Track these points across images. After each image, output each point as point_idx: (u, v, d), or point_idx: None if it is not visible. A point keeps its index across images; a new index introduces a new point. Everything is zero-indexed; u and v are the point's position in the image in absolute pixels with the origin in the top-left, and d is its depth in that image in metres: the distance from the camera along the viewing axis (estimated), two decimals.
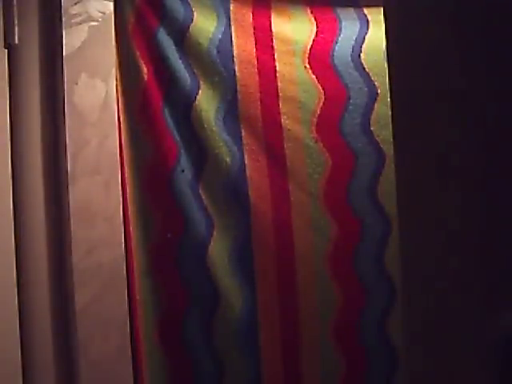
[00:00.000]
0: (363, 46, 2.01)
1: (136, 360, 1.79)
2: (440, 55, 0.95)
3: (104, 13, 1.77)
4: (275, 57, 1.96)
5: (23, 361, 1.64)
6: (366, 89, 2.00)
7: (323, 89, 1.97)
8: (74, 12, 1.72)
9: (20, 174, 1.67)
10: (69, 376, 1.68)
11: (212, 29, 1.91)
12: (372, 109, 1.99)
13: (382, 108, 1.97)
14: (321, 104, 1.96)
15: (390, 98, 1.06)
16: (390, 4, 1.07)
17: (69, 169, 1.69)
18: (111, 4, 1.80)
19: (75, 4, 1.72)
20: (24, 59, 1.69)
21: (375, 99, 2.00)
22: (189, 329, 1.85)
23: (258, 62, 1.94)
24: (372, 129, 1.99)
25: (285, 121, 1.95)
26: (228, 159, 1.89)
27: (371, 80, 2.00)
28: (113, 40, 1.80)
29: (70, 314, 1.67)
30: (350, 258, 1.95)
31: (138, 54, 1.84)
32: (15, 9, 1.68)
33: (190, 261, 1.85)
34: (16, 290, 1.64)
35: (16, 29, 1.68)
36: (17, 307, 1.64)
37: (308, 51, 1.98)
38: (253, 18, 1.96)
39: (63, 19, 1.70)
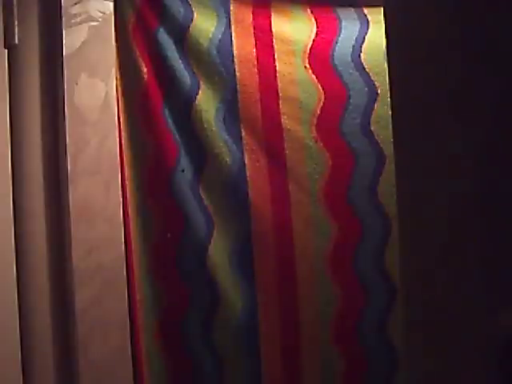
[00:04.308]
0: (363, 46, 2.01)
1: (136, 360, 1.79)
2: (440, 55, 0.95)
3: (104, 13, 1.77)
4: (275, 57, 1.96)
5: (23, 361, 1.64)
6: (366, 89, 2.00)
7: (323, 89, 1.97)
8: (74, 12, 1.72)
9: (20, 174, 1.67)
10: (69, 376, 1.68)
11: (212, 29, 1.91)
12: (372, 109, 1.99)
13: (382, 108, 1.97)
14: (321, 104, 1.96)
15: (390, 98, 1.06)
16: (390, 4, 1.07)
17: (69, 169, 1.69)
18: (111, 4, 1.79)
19: (75, 4, 1.72)
20: (24, 59, 1.69)
21: (375, 99, 2.00)
22: (189, 329, 1.85)
23: (258, 62, 1.94)
24: (372, 129, 1.99)
25: (285, 121, 1.95)
26: (228, 159, 1.89)
27: (371, 80, 2.00)
28: (113, 40, 1.80)
29: (70, 314, 1.67)
30: (350, 258, 1.95)
31: (137, 53, 1.84)
32: (15, 9, 1.68)
33: (190, 261, 1.85)
34: (16, 290, 1.64)
35: (16, 29, 1.68)
36: (17, 307, 1.64)
37: (308, 51, 1.98)
38: (253, 18, 1.96)
39: (63, 19, 1.70)
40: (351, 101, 1.98)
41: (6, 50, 1.67)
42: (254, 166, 1.92)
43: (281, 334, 1.91)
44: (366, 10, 2.05)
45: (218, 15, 1.93)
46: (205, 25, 1.91)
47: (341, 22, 2.02)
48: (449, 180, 0.95)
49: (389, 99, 1.07)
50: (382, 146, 1.98)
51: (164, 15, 1.87)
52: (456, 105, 0.94)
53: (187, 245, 1.85)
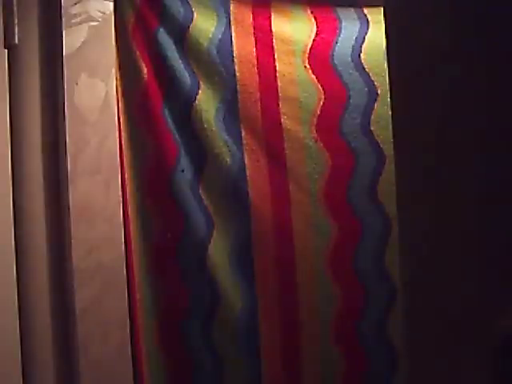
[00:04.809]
0: (363, 46, 2.01)
1: (136, 360, 1.79)
2: (440, 55, 0.95)
3: (104, 13, 1.77)
4: (275, 57, 1.96)
5: (23, 361, 1.64)
6: (366, 89, 2.00)
7: (323, 89, 1.97)
8: (74, 12, 1.72)
9: (20, 174, 1.67)
10: (69, 376, 1.68)
11: (212, 29, 1.91)
12: (372, 109, 1.99)
13: (382, 108, 1.97)
14: (321, 104, 1.96)
15: (390, 98, 1.06)
16: (390, 4, 1.07)
17: (69, 169, 1.69)
18: (111, 4, 1.79)
19: (75, 4, 1.72)
20: (24, 59, 1.69)
21: (375, 99, 2.00)
22: (189, 329, 1.85)
23: (257, 62, 1.94)
24: (372, 129, 1.99)
25: (285, 121, 1.95)
26: (228, 159, 1.89)
27: (371, 80, 2.00)
28: (113, 40, 1.80)
29: (70, 314, 1.67)
30: (350, 258, 1.95)
31: (138, 53, 1.84)
32: (15, 9, 1.67)
33: (190, 261, 1.85)
34: (16, 290, 1.64)
35: (16, 29, 1.68)
36: (17, 307, 1.64)
37: (308, 51, 1.98)
38: (253, 18, 1.96)
39: (63, 19, 1.70)
40: (351, 101, 1.98)
41: (6, 50, 1.67)
42: (254, 166, 1.92)
43: (281, 333, 1.91)
44: (366, 10, 2.05)
45: (218, 15, 1.93)
46: (205, 25, 1.91)
47: (341, 22, 2.02)
48: (449, 180, 0.95)
49: (389, 99, 1.07)
50: (382, 146, 1.98)
51: (164, 15, 1.87)
52: (456, 105, 0.94)
53: (187, 245, 1.85)
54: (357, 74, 2.00)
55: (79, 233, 1.69)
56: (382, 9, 1.10)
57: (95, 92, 1.75)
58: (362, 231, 1.96)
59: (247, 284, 1.89)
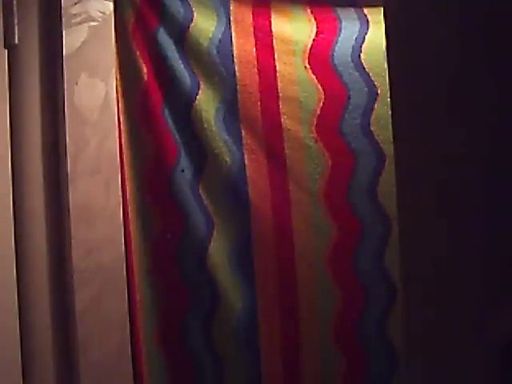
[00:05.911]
0: (363, 46, 2.01)
1: (136, 360, 1.79)
2: (440, 55, 0.95)
3: (104, 13, 1.77)
4: (275, 57, 1.96)
5: (23, 361, 1.64)
6: (366, 89, 2.00)
7: (323, 89, 1.97)
8: (74, 12, 1.72)
9: (20, 174, 1.67)
10: (69, 376, 1.68)
11: (212, 29, 1.91)
12: (372, 109, 1.99)
13: (382, 108, 1.97)
14: (321, 104, 1.96)
15: (390, 98, 1.06)
16: (390, 4, 1.07)
17: (69, 169, 1.69)
18: (111, 4, 1.80)
19: (75, 4, 1.72)
20: (24, 59, 1.69)
21: (375, 99, 1.99)
22: (189, 329, 1.85)
23: (257, 62, 1.94)
24: (372, 129, 1.99)
25: (285, 121, 1.95)
26: (228, 159, 1.89)
27: (371, 80, 2.00)
28: (113, 40, 1.80)
29: (70, 314, 1.67)
30: (350, 258, 1.95)
31: (138, 53, 1.84)
32: (15, 9, 1.67)
33: (190, 261, 1.85)
34: (16, 289, 1.64)
35: (16, 29, 1.68)
36: (17, 307, 1.64)
37: (308, 51, 1.98)
38: (253, 18, 1.96)
39: (63, 19, 1.70)
40: (351, 101, 1.98)
41: (6, 50, 1.67)
42: (254, 166, 1.92)
43: (281, 333, 1.91)
44: (366, 10, 2.05)
45: (218, 15, 1.93)
46: (205, 25, 1.91)
47: (341, 22, 2.02)
48: (449, 180, 0.95)
49: (389, 99, 1.07)
50: (382, 145, 1.98)
51: (164, 15, 1.87)
52: (456, 104, 0.94)
53: (187, 245, 1.85)
54: (357, 74, 2.00)
55: (79, 233, 1.69)
56: (382, 9, 1.10)
57: (95, 92, 1.75)
58: (362, 231, 1.96)
59: (247, 284, 1.89)
